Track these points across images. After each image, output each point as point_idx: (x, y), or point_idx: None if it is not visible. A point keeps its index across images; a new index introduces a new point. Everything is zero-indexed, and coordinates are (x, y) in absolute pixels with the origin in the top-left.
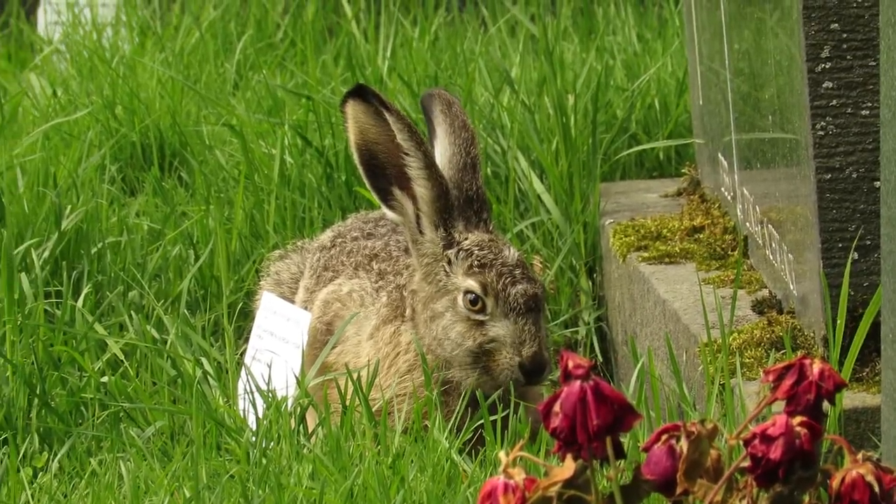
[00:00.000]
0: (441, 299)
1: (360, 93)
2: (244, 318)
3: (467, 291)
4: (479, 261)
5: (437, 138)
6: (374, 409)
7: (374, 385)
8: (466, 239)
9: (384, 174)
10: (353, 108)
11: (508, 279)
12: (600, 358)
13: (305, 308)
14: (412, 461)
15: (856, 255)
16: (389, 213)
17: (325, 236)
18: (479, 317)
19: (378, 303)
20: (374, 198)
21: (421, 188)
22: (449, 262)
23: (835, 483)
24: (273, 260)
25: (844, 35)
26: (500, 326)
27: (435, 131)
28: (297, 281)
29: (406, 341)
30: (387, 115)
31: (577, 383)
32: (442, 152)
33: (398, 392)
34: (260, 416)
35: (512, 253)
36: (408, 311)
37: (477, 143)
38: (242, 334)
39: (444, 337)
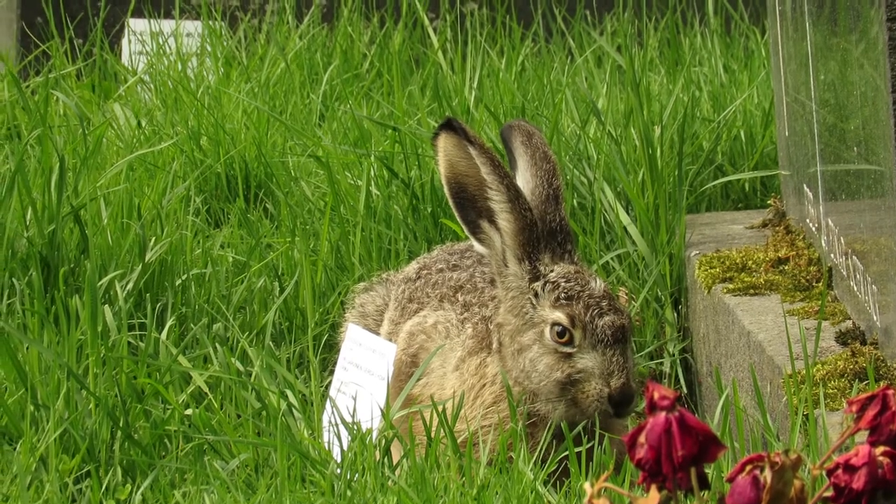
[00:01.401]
0: (528, 332)
1: (450, 126)
2: (329, 349)
3: (555, 324)
4: (565, 293)
5: (518, 170)
6: (458, 441)
7: (460, 417)
8: (552, 271)
9: (473, 207)
10: (444, 142)
11: (596, 311)
12: (685, 389)
13: (390, 340)
14: (497, 493)
15: None
16: (478, 246)
17: (411, 268)
18: (567, 349)
19: (463, 334)
20: (463, 230)
21: (505, 221)
22: (535, 295)
23: None
24: (358, 292)
25: None
26: (588, 358)
27: (516, 163)
28: (382, 313)
29: (492, 373)
30: (470, 149)
31: (663, 414)
32: (524, 184)
33: (483, 423)
34: (345, 448)
35: (599, 284)
36: (494, 344)
37: (559, 173)
38: (327, 366)
39: (531, 369)
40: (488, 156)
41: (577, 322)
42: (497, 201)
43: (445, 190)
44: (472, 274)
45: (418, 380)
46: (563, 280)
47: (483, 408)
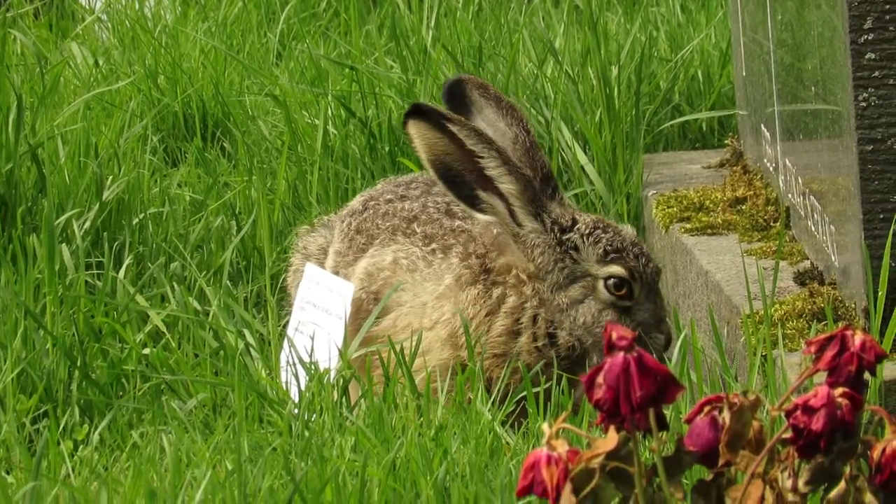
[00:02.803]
0: (573, 285)
1: (419, 111)
2: (284, 290)
3: (611, 277)
4: (611, 244)
5: (483, 122)
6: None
7: (461, 346)
8: (575, 221)
9: (464, 181)
10: (415, 127)
11: (644, 259)
12: None
13: (337, 272)
14: (455, 433)
15: None
16: (481, 217)
17: (355, 202)
18: (626, 302)
19: (443, 266)
20: (463, 206)
21: (506, 184)
22: (575, 248)
23: (875, 454)
24: (302, 235)
25: (887, 6)
26: (643, 309)
27: (477, 116)
28: (325, 252)
29: (499, 304)
30: (450, 127)
31: (621, 355)
32: (500, 136)
33: (495, 352)
34: (302, 388)
35: (630, 231)
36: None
37: (529, 121)
38: (284, 306)
39: (591, 323)
40: (470, 128)
41: (636, 275)
42: (493, 167)
43: (431, 172)
44: (424, 204)
45: (379, 317)
46: (601, 231)
47: (494, 338)
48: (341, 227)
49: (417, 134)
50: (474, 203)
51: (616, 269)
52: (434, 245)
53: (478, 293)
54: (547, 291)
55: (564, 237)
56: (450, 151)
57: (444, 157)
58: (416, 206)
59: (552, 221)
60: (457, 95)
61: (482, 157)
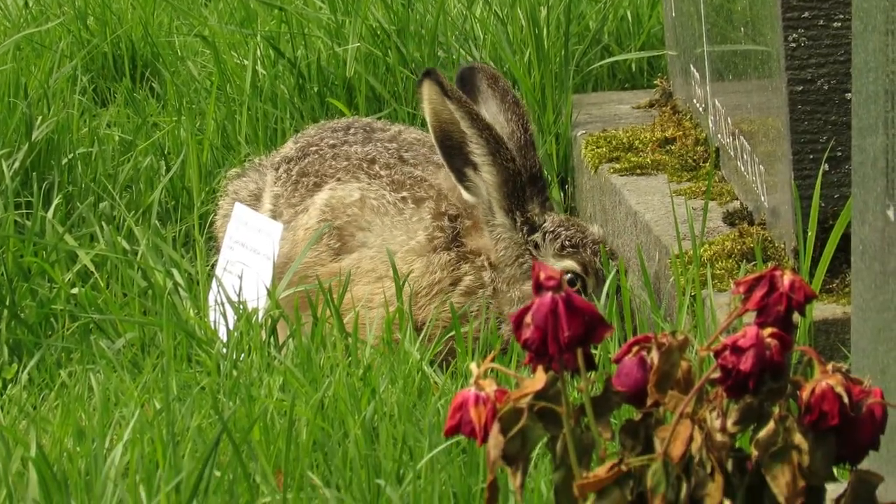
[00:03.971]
0: (528, 281)
1: (432, 75)
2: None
3: (563, 272)
4: (569, 241)
5: (488, 112)
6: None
7: (416, 304)
8: (545, 221)
9: (460, 154)
10: (427, 90)
11: (600, 256)
12: None
13: (274, 217)
14: (383, 374)
15: (827, 167)
16: (465, 194)
17: (288, 148)
18: None
19: (416, 218)
20: (452, 178)
21: (488, 174)
22: (536, 246)
23: (805, 394)
24: (231, 178)
25: None
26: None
27: (479, 105)
28: (257, 198)
29: (468, 284)
30: (448, 104)
31: (549, 295)
32: (499, 129)
33: (441, 316)
34: (230, 327)
35: (596, 230)
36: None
37: (530, 118)
38: (213, 246)
39: None
40: (467, 109)
41: (589, 270)
42: (479, 154)
43: (432, 137)
44: (377, 149)
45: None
46: (563, 229)
47: (444, 305)
48: (277, 174)
49: (427, 97)
50: (462, 178)
51: (569, 264)
52: (405, 193)
53: (449, 260)
54: (503, 283)
55: (530, 237)
56: (453, 121)
57: (447, 126)
58: (371, 150)
59: (524, 220)
60: (468, 82)
61: (472, 141)
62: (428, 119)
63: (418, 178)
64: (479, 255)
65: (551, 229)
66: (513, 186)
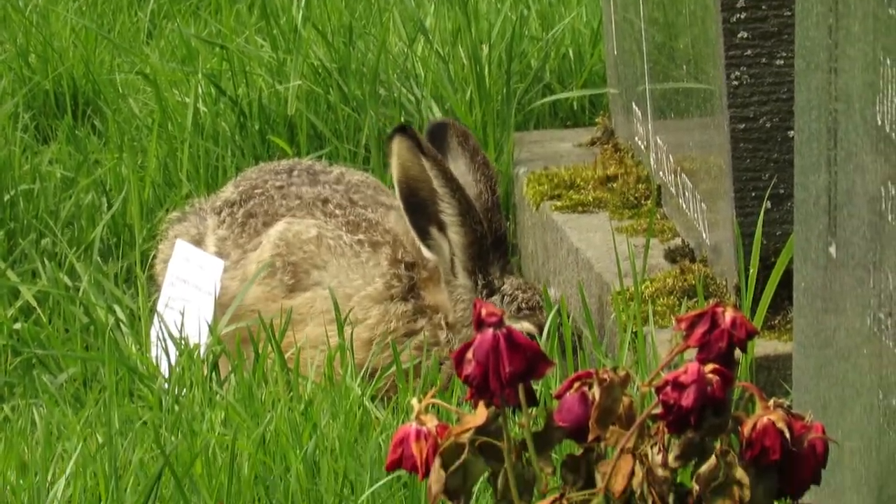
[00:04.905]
0: None
1: (404, 131)
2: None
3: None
4: (526, 303)
5: (456, 169)
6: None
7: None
8: (504, 285)
9: (425, 212)
10: (397, 146)
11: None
12: None
13: (221, 258)
14: (324, 409)
15: (769, 205)
16: (426, 252)
17: (229, 192)
18: None
19: (372, 263)
20: (413, 234)
21: (455, 234)
22: None
23: (746, 429)
24: (172, 223)
25: None
26: None
27: (448, 162)
28: (198, 243)
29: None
30: (423, 160)
31: (490, 331)
32: (467, 188)
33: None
34: (172, 363)
35: (554, 292)
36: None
37: (498, 181)
38: (154, 283)
39: None
40: (441, 168)
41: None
42: (449, 214)
43: (397, 193)
44: (327, 190)
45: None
46: (521, 291)
47: (386, 353)
48: (220, 218)
49: (397, 152)
50: (424, 236)
51: (525, 325)
52: (361, 236)
53: (405, 311)
54: (458, 344)
55: (489, 299)
56: (421, 179)
57: (415, 183)
58: (322, 190)
59: (485, 283)
60: (437, 138)
61: (443, 200)
62: (395, 174)
63: (373, 222)
64: (436, 311)
65: (509, 292)
66: (478, 249)
